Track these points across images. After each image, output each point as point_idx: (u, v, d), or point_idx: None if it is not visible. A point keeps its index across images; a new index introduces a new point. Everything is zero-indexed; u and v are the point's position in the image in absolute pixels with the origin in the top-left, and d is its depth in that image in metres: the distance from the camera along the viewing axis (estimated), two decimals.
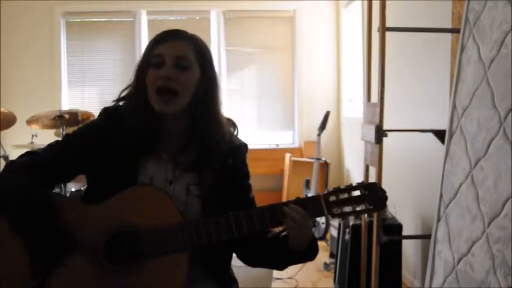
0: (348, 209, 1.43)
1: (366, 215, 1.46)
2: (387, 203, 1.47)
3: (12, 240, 1.38)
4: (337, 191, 1.43)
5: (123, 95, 1.52)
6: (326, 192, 1.45)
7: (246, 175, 1.58)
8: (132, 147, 1.45)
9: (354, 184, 1.45)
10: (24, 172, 1.42)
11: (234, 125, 1.58)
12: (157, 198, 1.42)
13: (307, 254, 1.46)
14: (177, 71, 1.42)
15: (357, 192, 1.44)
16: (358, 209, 1.43)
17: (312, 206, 1.41)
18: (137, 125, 1.45)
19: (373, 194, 1.43)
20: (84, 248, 1.39)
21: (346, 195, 1.43)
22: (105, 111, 1.53)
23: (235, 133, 1.58)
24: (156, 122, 1.47)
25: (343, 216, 1.43)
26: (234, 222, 1.39)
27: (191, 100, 1.46)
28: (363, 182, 1.46)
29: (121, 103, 1.53)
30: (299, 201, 1.42)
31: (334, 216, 1.43)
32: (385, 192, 1.45)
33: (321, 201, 1.42)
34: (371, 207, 1.43)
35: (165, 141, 1.49)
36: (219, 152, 1.49)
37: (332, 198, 1.43)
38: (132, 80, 1.50)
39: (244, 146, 1.58)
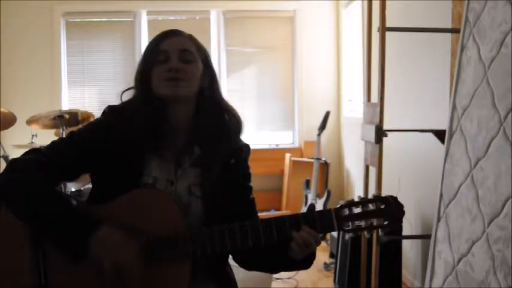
0: (360, 224, 1.35)
1: (379, 230, 1.37)
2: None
3: (18, 235, 1.39)
4: (350, 204, 1.36)
5: (125, 95, 1.52)
6: (338, 205, 1.38)
7: (247, 176, 1.58)
8: (138, 146, 1.45)
9: (369, 197, 1.37)
10: (36, 170, 1.40)
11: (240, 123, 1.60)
12: (160, 201, 1.41)
13: (305, 262, 1.44)
14: (183, 63, 1.46)
15: (371, 206, 1.36)
16: (371, 224, 1.36)
17: (322, 221, 1.36)
18: (144, 124, 1.45)
19: (388, 209, 1.35)
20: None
21: (359, 209, 1.35)
22: (111, 110, 1.52)
23: (241, 133, 1.58)
24: (161, 120, 1.47)
25: (355, 232, 1.36)
26: (239, 234, 1.36)
27: (197, 92, 1.49)
28: (378, 195, 1.37)
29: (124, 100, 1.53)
30: (309, 216, 1.37)
31: (345, 232, 1.36)
32: (402, 206, 1.37)
33: (332, 217, 1.36)
34: (385, 222, 1.35)
35: (168, 141, 1.49)
36: (220, 152, 1.49)
37: (344, 212, 1.36)
38: (135, 81, 1.51)
39: (247, 146, 1.59)
